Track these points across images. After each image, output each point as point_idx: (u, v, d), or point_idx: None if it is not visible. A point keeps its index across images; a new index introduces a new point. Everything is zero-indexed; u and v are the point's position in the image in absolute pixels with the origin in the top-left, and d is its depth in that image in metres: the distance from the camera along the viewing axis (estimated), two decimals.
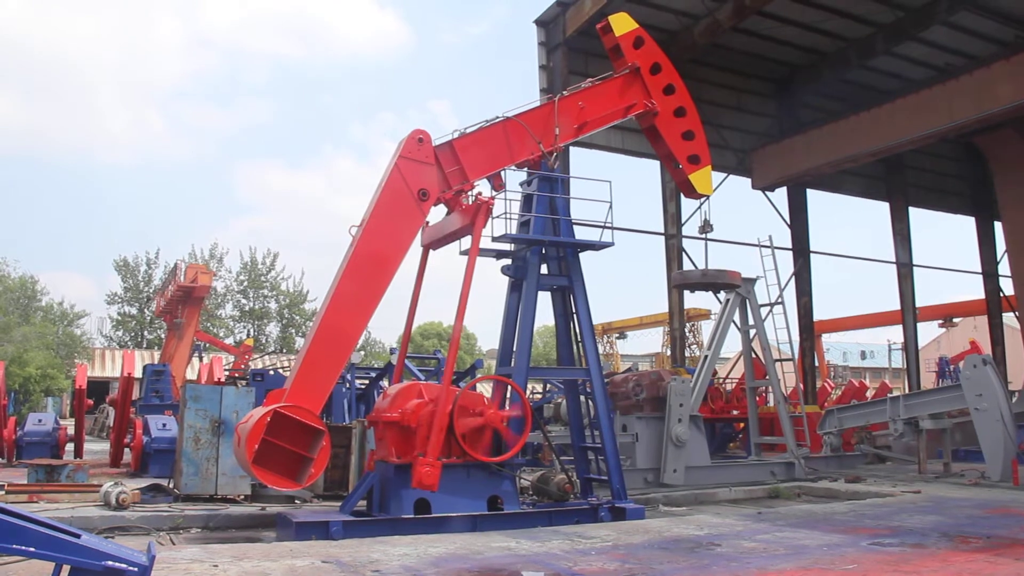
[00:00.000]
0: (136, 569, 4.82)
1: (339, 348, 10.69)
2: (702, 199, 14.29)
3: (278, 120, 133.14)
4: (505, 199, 12.68)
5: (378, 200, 11.31)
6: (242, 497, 13.70)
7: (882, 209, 32.84)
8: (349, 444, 14.63)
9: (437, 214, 12.62)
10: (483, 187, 12.21)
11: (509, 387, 12.28)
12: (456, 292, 11.82)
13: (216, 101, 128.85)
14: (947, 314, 45.88)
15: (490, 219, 12.36)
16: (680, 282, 16.02)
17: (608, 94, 13.35)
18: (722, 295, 21.05)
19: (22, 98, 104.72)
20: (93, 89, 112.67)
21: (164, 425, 18.16)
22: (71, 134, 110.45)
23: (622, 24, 13.72)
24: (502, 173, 12.46)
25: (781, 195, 29.93)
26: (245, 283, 72.02)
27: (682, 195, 14.77)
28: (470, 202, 11.87)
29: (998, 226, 33.74)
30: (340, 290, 10.77)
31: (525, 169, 12.99)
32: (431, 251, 13.17)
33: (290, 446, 9.77)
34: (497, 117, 12.43)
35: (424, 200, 11.48)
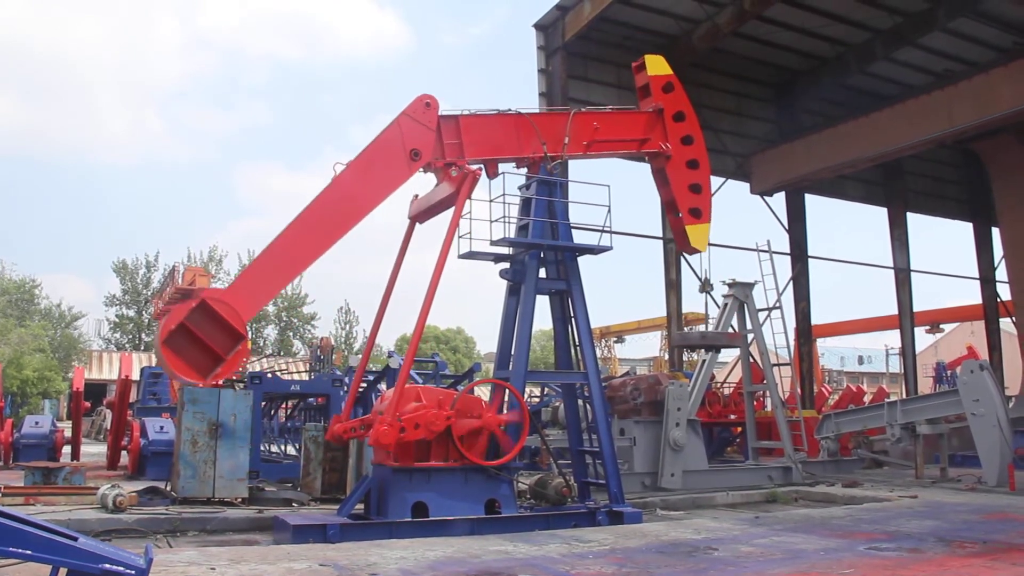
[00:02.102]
0: (133, 572, 4.83)
1: (287, 267, 10.93)
2: (695, 254, 14.17)
3: (278, 121, 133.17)
4: (504, 203, 12.70)
5: (370, 145, 11.49)
6: (239, 500, 13.70)
7: (881, 214, 32.92)
8: (347, 447, 14.61)
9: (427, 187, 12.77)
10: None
11: (507, 391, 12.29)
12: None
13: (215, 102, 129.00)
14: (945, 319, 45.89)
15: (489, 225, 12.47)
16: (680, 343, 16.21)
17: (626, 124, 13.50)
18: (720, 299, 21.09)
19: (21, 99, 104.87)
20: (92, 90, 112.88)
21: (161, 428, 18.17)
22: (70, 135, 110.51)
23: (656, 66, 13.83)
24: (499, 164, 12.56)
25: (780, 200, 29.99)
26: None
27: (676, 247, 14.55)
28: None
29: (996, 232, 33.80)
30: (306, 214, 10.91)
31: (524, 172, 13.02)
32: (418, 224, 13.22)
33: (206, 340, 9.71)
34: (510, 109, 12.66)
35: (414, 160, 11.65)
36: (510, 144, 12.59)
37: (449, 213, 12.03)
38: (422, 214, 12.99)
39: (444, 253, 11.64)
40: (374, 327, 13.69)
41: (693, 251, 14.07)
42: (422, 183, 12.92)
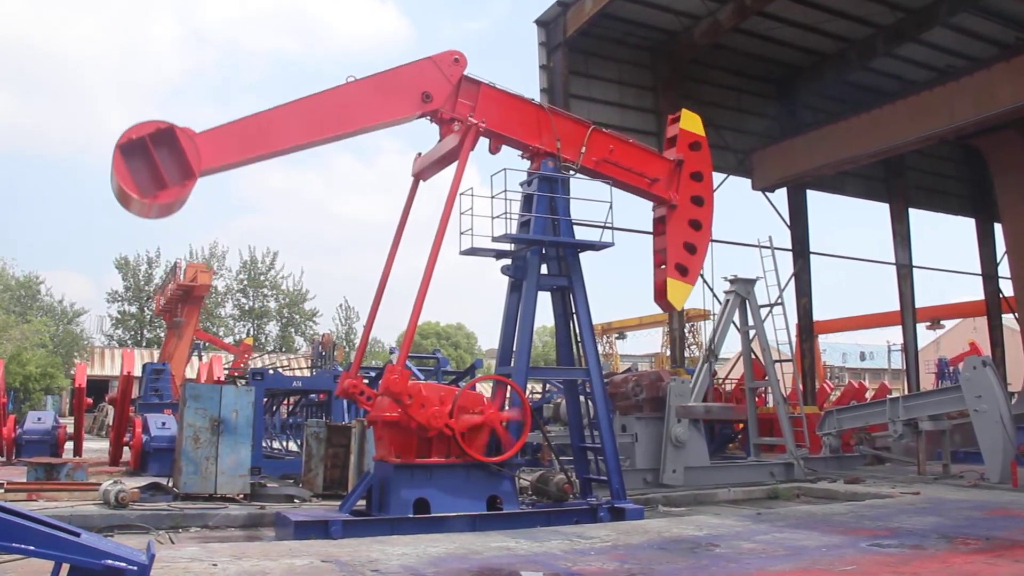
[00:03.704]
0: (135, 568, 4.83)
1: (263, 139, 10.92)
2: (669, 311, 14.00)
3: None
4: (505, 199, 12.71)
5: (389, 70, 11.69)
6: (241, 496, 13.71)
7: (882, 210, 32.84)
8: (348, 444, 14.63)
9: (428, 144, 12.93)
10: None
11: (509, 387, 12.28)
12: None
13: (214, 99, 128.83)
14: (947, 315, 45.84)
15: (491, 221, 12.48)
16: (684, 415, 16.45)
17: (641, 159, 13.56)
18: (722, 295, 21.08)
19: (21, 97, 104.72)
20: (92, 88, 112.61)
21: (163, 424, 18.19)
22: (70, 133, 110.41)
23: (691, 123, 14.05)
24: (504, 143, 12.70)
25: (781, 196, 29.92)
26: (245, 282, 72.11)
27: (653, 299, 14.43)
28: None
29: (998, 228, 33.75)
30: (304, 102, 11.07)
31: (526, 169, 13.03)
32: (421, 182, 13.31)
33: (159, 164, 9.85)
34: (534, 99, 12.92)
35: (424, 102, 11.82)
36: (522, 129, 12.67)
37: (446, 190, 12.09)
38: (425, 170, 13.09)
39: (449, 206, 11.68)
40: (378, 293, 13.25)
41: (668, 307, 13.88)
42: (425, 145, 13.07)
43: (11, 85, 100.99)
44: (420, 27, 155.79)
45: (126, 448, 19.70)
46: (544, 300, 13.13)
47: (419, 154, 13.22)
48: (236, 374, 29.87)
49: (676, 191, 13.52)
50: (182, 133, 9.96)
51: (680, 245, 13.53)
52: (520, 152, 13.05)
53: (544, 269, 12.98)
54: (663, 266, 13.51)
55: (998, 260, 34.47)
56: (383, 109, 11.67)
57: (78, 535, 4.86)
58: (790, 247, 29.54)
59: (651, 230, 14.14)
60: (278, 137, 10.98)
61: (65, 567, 4.75)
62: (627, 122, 25.91)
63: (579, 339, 13.03)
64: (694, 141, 13.91)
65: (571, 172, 13.00)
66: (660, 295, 13.69)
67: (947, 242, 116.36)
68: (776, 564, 8.43)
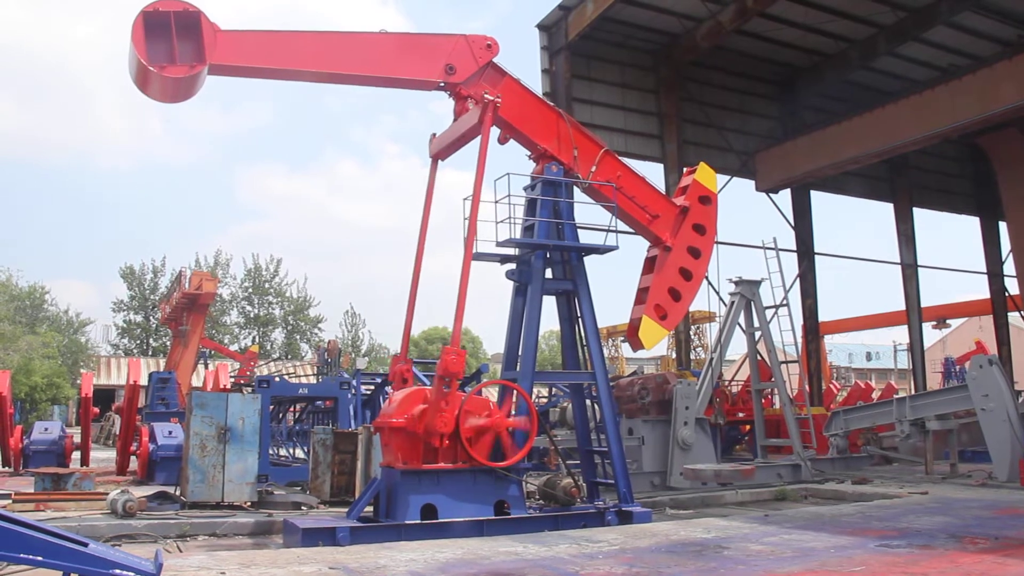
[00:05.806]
0: None
1: (284, 54, 11.38)
2: (637, 350, 14.06)
3: (279, 122, 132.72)
4: (509, 203, 12.72)
5: (422, 34, 12.12)
6: (248, 504, 13.73)
7: (886, 210, 32.82)
8: (355, 450, 14.64)
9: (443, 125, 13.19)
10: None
11: (515, 391, 12.28)
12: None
13: (216, 103, 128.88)
14: (952, 315, 45.72)
15: (495, 225, 12.53)
16: (693, 477, 16.55)
17: (646, 192, 13.65)
18: (727, 297, 21.05)
19: (21, 103, 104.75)
20: (93, 93, 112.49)
21: (170, 432, 18.22)
22: (71, 138, 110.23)
23: (706, 177, 14.24)
24: (512, 137, 12.82)
25: (785, 197, 29.91)
26: (250, 290, 72.18)
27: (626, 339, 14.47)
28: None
29: (1003, 226, 33.71)
30: (333, 35, 11.59)
31: (529, 173, 13.05)
32: (440, 162, 13.42)
33: (176, 41, 10.36)
34: (556, 106, 13.23)
35: (446, 73, 12.06)
36: (536, 128, 12.80)
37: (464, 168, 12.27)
38: (444, 150, 13.17)
39: (479, 182, 11.80)
40: (413, 288, 13.31)
41: (638, 345, 13.76)
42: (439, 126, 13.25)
43: (11, 91, 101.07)
44: (420, 28, 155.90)
45: (133, 457, 19.73)
46: (549, 304, 13.14)
47: (433, 135, 13.31)
48: (242, 382, 29.88)
49: (674, 236, 13.59)
50: (207, 21, 10.49)
51: (665, 289, 13.54)
52: (528, 153, 13.08)
53: (549, 273, 12.97)
54: (642, 304, 13.49)
55: (1003, 258, 34.42)
56: (404, 65, 11.90)
57: (86, 545, 4.88)
58: (794, 248, 29.52)
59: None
60: (295, 56, 11.34)
61: None
62: (630, 125, 25.99)
63: (585, 343, 13.02)
64: (705, 195, 14.03)
65: (583, 184, 13.06)
66: (632, 333, 13.65)
67: (952, 241, 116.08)
68: (785, 566, 8.41)
